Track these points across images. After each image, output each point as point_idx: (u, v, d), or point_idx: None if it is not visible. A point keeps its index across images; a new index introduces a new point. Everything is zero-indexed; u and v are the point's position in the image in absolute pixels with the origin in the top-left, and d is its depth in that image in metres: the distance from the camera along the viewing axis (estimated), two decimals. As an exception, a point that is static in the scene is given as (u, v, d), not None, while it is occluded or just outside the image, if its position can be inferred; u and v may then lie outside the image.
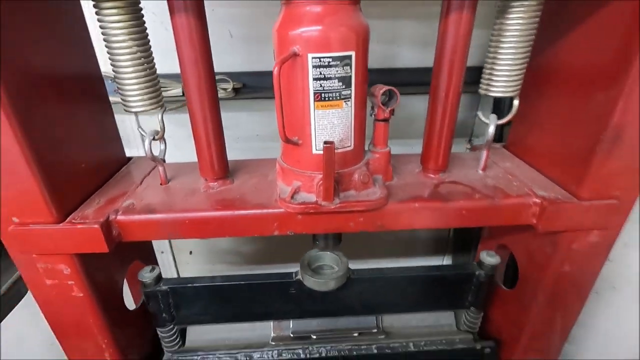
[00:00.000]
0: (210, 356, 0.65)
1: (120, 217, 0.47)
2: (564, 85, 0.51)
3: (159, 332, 0.65)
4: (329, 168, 0.42)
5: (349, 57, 0.41)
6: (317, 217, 0.47)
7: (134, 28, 0.43)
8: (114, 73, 0.46)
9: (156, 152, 0.51)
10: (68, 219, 0.46)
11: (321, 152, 0.44)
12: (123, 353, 0.59)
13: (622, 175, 0.46)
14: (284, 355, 0.65)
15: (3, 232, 0.45)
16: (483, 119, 0.53)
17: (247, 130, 0.92)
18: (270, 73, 0.39)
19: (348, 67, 0.41)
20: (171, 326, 0.65)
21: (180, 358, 0.66)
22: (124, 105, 0.47)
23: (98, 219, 0.45)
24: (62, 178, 0.46)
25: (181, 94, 0.84)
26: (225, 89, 0.79)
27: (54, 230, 0.44)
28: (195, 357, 0.65)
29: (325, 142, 0.41)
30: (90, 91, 0.53)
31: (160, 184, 0.54)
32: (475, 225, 0.53)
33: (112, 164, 0.58)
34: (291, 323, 0.69)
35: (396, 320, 0.71)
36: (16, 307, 0.74)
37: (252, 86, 0.83)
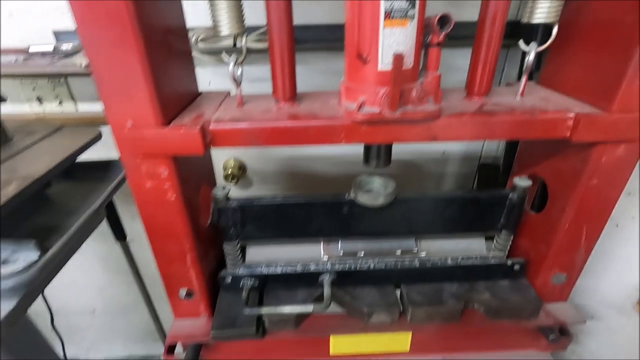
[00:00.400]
0: (271, 267, 0.74)
1: (212, 126, 0.55)
2: (599, 12, 0.57)
3: (225, 248, 0.75)
4: (396, 77, 0.49)
5: (416, -22, 0.48)
6: (379, 127, 0.55)
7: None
8: (210, 4, 0.53)
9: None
10: (170, 125, 0.54)
11: (386, 68, 0.52)
12: (199, 261, 0.68)
13: (650, 90, 0.53)
14: (336, 266, 0.74)
15: (119, 135, 0.53)
16: (523, 47, 0.60)
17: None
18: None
19: (414, -12, 0.48)
20: (236, 242, 0.74)
21: (243, 271, 0.75)
22: (217, 30, 0.55)
23: (195, 125, 0.54)
24: (166, 97, 0.54)
25: (230, 46, 0.92)
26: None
27: (161, 131, 0.53)
28: (257, 269, 0.75)
29: (394, 54, 0.48)
30: (181, 38, 0.61)
31: (237, 106, 0.62)
32: (515, 138, 0.60)
33: (192, 94, 0.67)
34: (340, 246, 0.78)
35: (432, 245, 0.79)
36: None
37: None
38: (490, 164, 1.16)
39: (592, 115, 0.55)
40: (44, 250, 0.53)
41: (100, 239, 1.31)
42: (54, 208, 0.64)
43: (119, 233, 0.96)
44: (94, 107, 1.03)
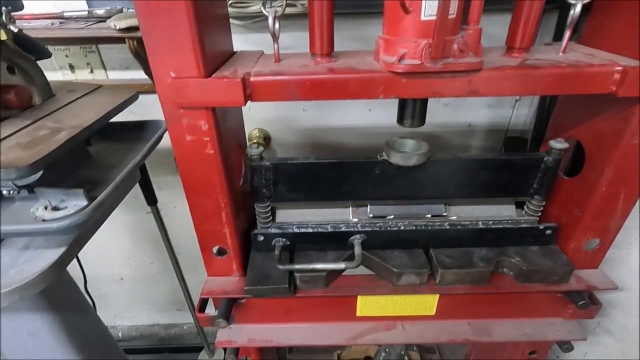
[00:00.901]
0: (302, 227, 0.76)
1: (252, 78, 0.56)
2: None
3: (256, 208, 0.76)
4: (442, 23, 0.48)
5: None
6: (419, 80, 0.55)
7: None
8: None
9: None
10: (219, 71, 0.55)
11: (429, 18, 0.51)
12: (234, 218, 0.70)
13: None
14: (366, 227, 0.75)
15: (162, 87, 0.54)
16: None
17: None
18: None
19: None
20: (268, 202, 0.75)
21: (274, 230, 0.76)
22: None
23: (240, 77, 0.54)
24: (207, 50, 0.54)
25: (259, 12, 0.92)
26: None
27: (203, 82, 0.54)
28: (289, 229, 0.76)
29: (441, 0, 0.47)
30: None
31: (274, 61, 0.62)
32: (559, 93, 0.59)
33: (228, 53, 0.68)
34: (369, 209, 0.78)
35: (462, 210, 0.79)
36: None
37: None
38: (518, 137, 1.15)
39: (634, 68, 0.54)
40: (90, 199, 0.55)
41: (129, 210, 1.35)
42: (95, 164, 0.66)
43: (150, 197, 0.98)
44: (124, 75, 1.05)
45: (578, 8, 0.57)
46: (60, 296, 0.78)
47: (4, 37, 0.55)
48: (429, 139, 0.72)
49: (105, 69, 1.05)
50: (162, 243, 1.42)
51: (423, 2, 0.51)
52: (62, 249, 0.58)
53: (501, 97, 1.12)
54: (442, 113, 1.14)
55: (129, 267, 1.51)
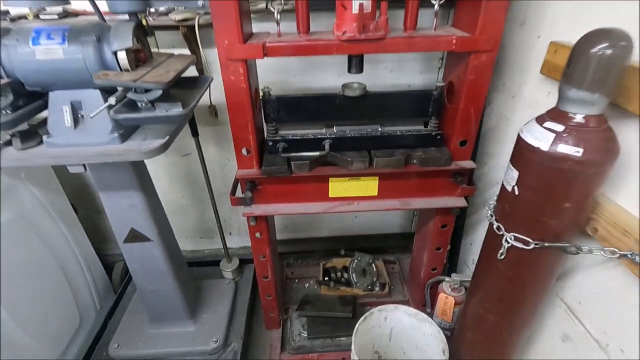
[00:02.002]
0: (295, 136, 1.27)
1: (267, 44, 1.06)
2: (470, -17, 1.07)
3: (266, 126, 1.27)
4: (361, 15, 0.99)
5: (370, -35, 0.97)
6: (353, 44, 1.05)
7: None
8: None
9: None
10: (248, 42, 1.06)
11: (356, 12, 1.02)
12: (254, 130, 1.20)
13: (491, 22, 1.03)
14: (333, 136, 1.26)
15: (220, 48, 1.05)
16: (433, 1, 1.09)
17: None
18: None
19: (369, -30, 0.98)
20: (273, 122, 1.26)
21: (278, 138, 1.27)
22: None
23: (260, 43, 1.05)
24: (242, 30, 1.04)
25: (264, 9, 1.41)
26: None
27: (242, 45, 1.04)
28: (287, 137, 1.27)
29: (359, 4, 0.98)
30: (241, 3, 1.11)
31: (277, 36, 1.13)
32: (426, 50, 1.11)
33: (250, 33, 1.18)
34: (334, 128, 1.30)
35: (390, 128, 1.31)
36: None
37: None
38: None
39: (465, 37, 1.06)
40: (184, 107, 1.05)
41: (168, 155, 1.84)
42: (176, 98, 1.14)
43: (194, 130, 1.48)
44: (172, 51, 1.54)
45: (436, 7, 1.08)
46: (147, 184, 1.29)
47: (144, 22, 1.04)
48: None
49: (157, 47, 1.54)
50: (192, 181, 1.93)
51: (352, 3, 1.02)
52: (166, 138, 1.08)
53: (429, 65, 1.64)
54: (389, 77, 1.66)
55: (164, 201, 1.98)
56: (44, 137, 1.05)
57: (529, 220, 0.91)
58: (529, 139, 0.85)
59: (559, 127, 0.80)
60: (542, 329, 1.23)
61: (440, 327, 1.37)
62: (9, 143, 1.07)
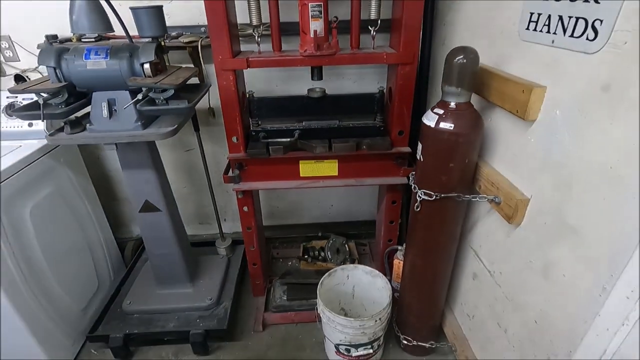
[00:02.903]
0: (273, 128, 1.67)
1: (250, 58, 1.47)
2: (395, 14, 1.49)
3: (250, 120, 1.67)
4: (317, 38, 1.41)
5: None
6: (313, 59, 1.47)
7: (256, -3, 1.43)
8: (248, 9, 1.46)
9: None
10: (236, 57, 1.47)
11: (313, 36, 1.44)
12: (241, 123, 1.60)
13: None
14: (301, 128, 1.66)
15: (216, 61, 1.46)
16: (371, 30, 1.51)
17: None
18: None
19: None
20: (256, 117, 1.67)
21: (259, 129, 1.67)
22: (250, 21, 1.47)
23: (245, 58, 1.46)
24: (233, 50, 1.46)
25: (250, 34, 1.84)
26: (274, 28, 1.79)
27: (231, 59, 1.45)
28: (266, 127, 1.67)
29: (314, 30, 1.40)
30: (235, 26, 1.53)
31: (258, 53, 1.54)
32: (365, 63, 1.53)
33: (239, 50, 1.60)
34: (303, 123, 1.70)
35: (346, 123, 1.71)
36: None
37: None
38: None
39: (393, 53, 1.47)
40: (189, 102, 1.45)
41: (173, 150, 2.23)
42: (183, 98, 1.54)
43: (196, 126, 1.88)
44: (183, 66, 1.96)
45: (373, 33, 1.50)
46: (159, 165, 1.68)
47: (162, 43, 1.46)
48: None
49: (169, 62, 1.96)
50: (193, 173, 2.31)
51: (310, 29, 1.43)
52: (175, 125, 1.48)
53: (383, 76, 2.06)
54: (352, 86, 2.07)
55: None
56: (87, 125, 1.45)
57: (431, 179, 1.30)
58: (425, 120, 1.25)
59: (441, 111, 1.20)
60: (460, 271, 1.59)
61: (396, 290, 1.73)
62: (61, 129, 1.47)
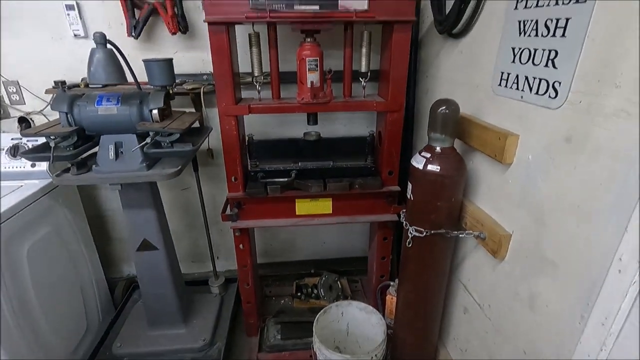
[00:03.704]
0: (271, 168, 1.76)
1: (251, 105, 1.60)
2: (382, 66, 1.67)
3: (249, 161, 1.77)
4: (313, 88, 1.55)
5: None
6: (309, 106, 1.60)
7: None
8: (250, 60, 1.60)
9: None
10: (238, 104, 1.59)
11: (310, 86, 1.59)
12: (241, 164, 1.70)
13: (397, 93, 1.61)
14: (298, 168, 1.76)
15: (220, 108, 1.57)
16: (361, 79, 1.67)
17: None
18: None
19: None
20: (255, 158, 1.77)
21: (258, 169, 1.76)
22: (252, 72, 1.61)
23: (247, 105, 1.58)
24: (236, 97, 1.59)
25: (250, 81, 1.99)
26: (272, 77, 1.94)
27: (234, 106, 1.57)
28: (264, 168, 1.76)
29: (311, 81, 1.55)
30: (237, 75, 1.68)
31: (259, 100, 1.67)
32: (357, 110, 1.66)
33: (240, 97, 1.73)
34: (300, 164, 1.81)
35: (340, 164, 1.83)
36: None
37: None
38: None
39: (382, 101, 1.63)
40: (193, 146, 1.54)
41: (170, 189, 2.29)
42: (188, 141, 1.64)
43: (195, 166, 1.96)
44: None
45: (363, 83, 1.66)
46: (159, 204, 1.73)
47: (170, 91, 1.58)
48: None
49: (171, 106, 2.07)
50: (189, 212, 2.36)
51: (307, 80, 1.58)
52: (178, 167, 1.56)
53: (372, 120, 2.22)
54: (344, 129, 2.21)
55: (164, 229, 2.40)
56: (93, 167, 1.51)
57: (421, 216, 1.39)
58: (414, 163, 1.37)
59: (428, 155, 1.33)
60: (452, 306, 1.64)
61: (389, 326, 1.76)
62: (66, 170, 1.53)
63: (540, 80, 1.03)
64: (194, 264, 2.55)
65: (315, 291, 2.36)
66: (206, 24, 1.42)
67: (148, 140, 1.43)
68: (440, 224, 1.37)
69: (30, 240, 1.62)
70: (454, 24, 1.43)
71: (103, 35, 1.33)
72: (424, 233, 1.38)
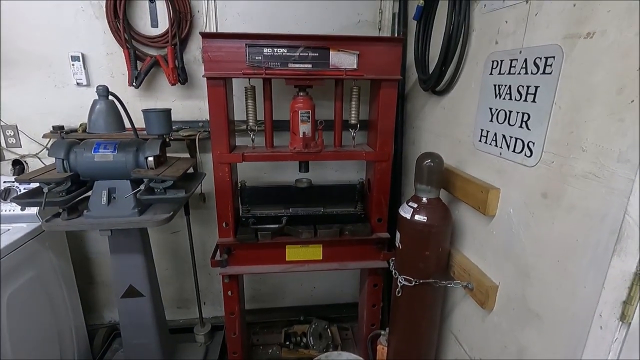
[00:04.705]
0: (262, 214, 1.78)
1: (245, 153, 1.65)
2: (371, 116, 1.76)
3: (241, 206, 1.79)
4: (305, 138, 1.62)
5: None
6: (301, 154, 1.66)
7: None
8: (246, 110, 1.68)
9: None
10: (232, 152, 1.65)
11: (302, 137, 1.66)
12: (232, 209, 1.72)
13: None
14: (289, 214, 1.78)
15: (215, 156, 1.62)
16: (351, 130, 1.76)
17: (271, 144, 2.13)
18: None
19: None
20: (247, 204, 1.79)
21: (249, 215, 1.78)
22: (247, 121, 1.69)
23: (240, 153, 1.64)
24: (229, 144, 1.65)
25: (244, 128, 2.07)
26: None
27: (228, 154, 1.62)
28: (256, 213, 1.78)
29: (304, 132, 1.62)
30: (232, 123, 1.75)
31: (253, 148, 1.73)
32: (346, 159, 1.73)
33: (234, 145, 1.79)
34: (290, 210, 1.84)
35: (330, 210, 1.86)
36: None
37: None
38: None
39: (370, 151, 1.70)
40: (187, 192, 1.57)
41: (160, 232, 2.28)
42: (181, 187, 1.66)
43: (187, 210, 1.97)
44: (178, 155, 2.12)
45: (353, 134, 1.74)
46: (148, 250, 1.72)
47: (167, 139, 1.63)
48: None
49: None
50: (177, 255, 2.33)
51: (299, 131, 1.65)
52: (170, 213, 1.57)
53: (362, 166, 2.29)
54: (334, 175, 2.27)
55: (151, 273, 2.34)
56: (85, 212, 1.52)
57: (410, 265, 1.41)
58: (402, 212, 1.41)
59: (415, 205, 1.37)
60: (443, 356, 1.61)
61: None
62: (56, 215, 1.53)
63: (516, 139, 1.11)
64: (180, 310, 2.47)
65: (305, 339, 2.29)
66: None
67: (142, 187, 1.46)
68: (429, 273, 1.38)
69: (12, 286, 1.58)
70: (436, 83, 1.54)
71: (106, 88, 1.39)
72: (413, 282, 1.39)
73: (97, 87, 1.39)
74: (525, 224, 1.09)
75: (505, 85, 1.15)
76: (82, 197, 1.59)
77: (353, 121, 1.73)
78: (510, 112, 1.13)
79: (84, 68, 1.90)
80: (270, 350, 2.30)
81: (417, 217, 1.34)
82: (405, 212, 1.39)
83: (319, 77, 1.54)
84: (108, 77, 1.94)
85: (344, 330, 2.44)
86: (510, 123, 1.13)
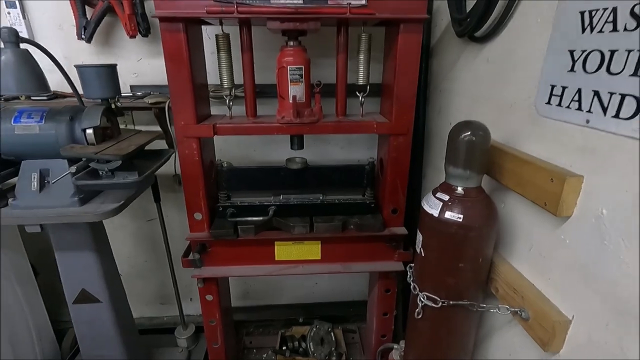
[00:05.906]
0: (243, 203, 1.41)
1: (218, 124, 1.26)
2: (385, 81, 1.32)
3: (219, 194, 1.42)
4: (295, 103, 1.21)
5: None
6: (291, 127, 1.26)
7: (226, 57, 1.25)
8: (219, 72, 1.27)
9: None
10: (199, 124, 1.25)
11: (292, 102, 1.25)
12: (205, 197, 1.35)
13: (403, 111, 1.26)
14: (277, 203, 1.40)
15: (177, 127, 1.24)
16: (359, 95, 1.33)
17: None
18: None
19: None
20: (225, 190, 1.41)
21: (228, 204, 1.41)
22: (222, 85, 1.28)
23: (211, 124, 1.24)
24: (198, 113, 1.25)
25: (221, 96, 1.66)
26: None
27: (195, 125, 1.23)
28: (235, 202, 1.41)
29: (293, 96, 1.21)
30: (204, 88, 1.34)
31: (229, 118, 1.33)
32: (352, 132, 1.31)
33: (207, 115, 1.39)
34: (281, 197, 1.45)
35: (330, 198, 1.47)
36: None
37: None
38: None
39: (384, 122, 1.28)
40: (140, 175, 1.20)
41: (134, 219, 1.95)
42: (136, 167, 1.30)
43: (156, 196, 1.62)
44: (146, 128, 1.75)
45: (361, 99, 1.32)
46: (104, 246, 1.38)
47: (113, 106, 1.25)
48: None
49: (134, 124, 1.75)
50: (156, 246, 2.00)
51: (289, 95, 1.24)
52: (121, 202, 1.21)
53: (374, 142, 1.87)
54: (340, 153, 1.86)
55: (128, 265, 2.03)
56: (10, 200, 1.17)
57: (435, 280, 1.02)
58: (426, 207, 1.00)
59: (446, 197, 0.96)
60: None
61: None
62: (-24, 205, 1.19)
63: (622, 96, 0.67)
64: (163, 306, 2.17)
65: (304, 344, 1.96)
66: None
67: (72, 168, 1.09)
68: (462, 292, 0.99)
69: None
70: (478, 24, 1.09)
71: (13, 32, 1.01)
72: (440, 303, 1.00)
73: (1, 29, 1.00)
74: (629, 234, 0.67)
75: (604, 10, 0.70)
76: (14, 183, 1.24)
77: (361, 81, 1.30)
78: (613, 52, 0.69)
79: (23, 18, 1.51)
80: (265, 355, 1.99)
81: (449, 214, 0.94)
82: (432, 206, 0.98)
83: (314, 16, 1.10)
84: (55, 29, 1.55)
85: (350, 333, 2.11)
86: (612, 71, 0.69)
